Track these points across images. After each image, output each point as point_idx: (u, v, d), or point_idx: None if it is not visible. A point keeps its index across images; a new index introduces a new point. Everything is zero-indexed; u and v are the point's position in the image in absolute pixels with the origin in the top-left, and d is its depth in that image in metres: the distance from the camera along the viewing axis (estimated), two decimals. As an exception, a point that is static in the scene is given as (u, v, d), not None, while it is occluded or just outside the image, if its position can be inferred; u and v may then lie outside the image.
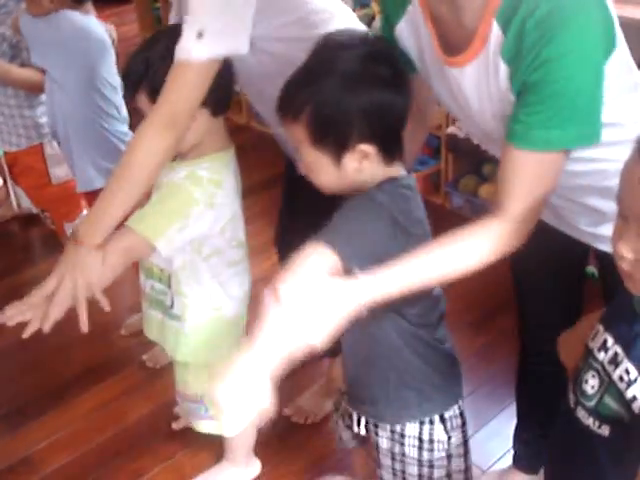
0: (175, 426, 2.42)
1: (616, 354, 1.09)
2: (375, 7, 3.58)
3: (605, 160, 1.38)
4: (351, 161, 1.31)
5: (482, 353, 2.68)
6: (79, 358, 2.80)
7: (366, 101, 1.27)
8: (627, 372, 1.06)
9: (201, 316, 1.83)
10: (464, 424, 1.56)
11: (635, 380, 1.05)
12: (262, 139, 4.45)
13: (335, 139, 1.29)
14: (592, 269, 1.92)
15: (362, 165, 1.32)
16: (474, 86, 1.33)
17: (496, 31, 1.24)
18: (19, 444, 2.46)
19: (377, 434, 1.56)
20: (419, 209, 1.39)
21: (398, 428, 1.51)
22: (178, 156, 1.71)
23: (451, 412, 1.52)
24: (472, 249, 1.27)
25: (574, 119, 1.23)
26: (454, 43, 1.32)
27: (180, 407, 2.30)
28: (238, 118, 4.67)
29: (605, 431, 1.11)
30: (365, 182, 1.35)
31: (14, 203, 3.68)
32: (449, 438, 1.52)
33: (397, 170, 1.39)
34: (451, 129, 3.31)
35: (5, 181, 3.56)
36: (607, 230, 1.42)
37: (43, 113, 2.72)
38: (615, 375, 1.08)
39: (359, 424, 1.59)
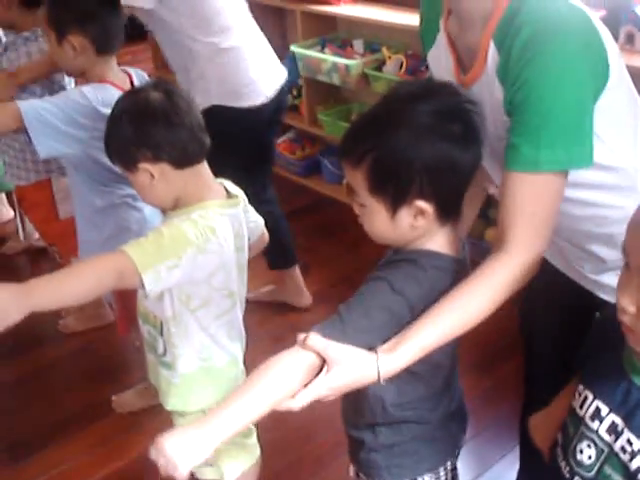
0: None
1: (614, 424, 1.06)
2: (385, 52, 3.62)
3: (605, 206, 1.40)
4: (407, 216, 1.27)
5: (486, 396, 2.67)
6: (82, 393, 2.81)
7: (431, 156, 1.23)
8: (630, 443, 1.03)
9: (190, 366, 1.81)
10: None
11: (639, 451, 1.01)
12: (272, 179, 4.48)
13: (394, 191, 1.25)
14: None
15: (417, 222, 1.27)
16: (481, 106, 1.36)
17: (493, 51, 1.29)
18: (21, 476, 2.46)
19: None
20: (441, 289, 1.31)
21: None
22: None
23: (426, 478, 1.46)
24: (484, 297, 1.26)
25: (561, 138, 1.23)
26: (467, 63, 1.38)
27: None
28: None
29: None
30: (417, 238, 1.32)
31: (21, 236, 3.71)
32: None
33: (450, 243, 1.33)
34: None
35: (15, 214, 3.59)
36: (609, 279, 1.43)
37: None
38: (616, 446, 1.05)
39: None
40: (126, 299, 2.42)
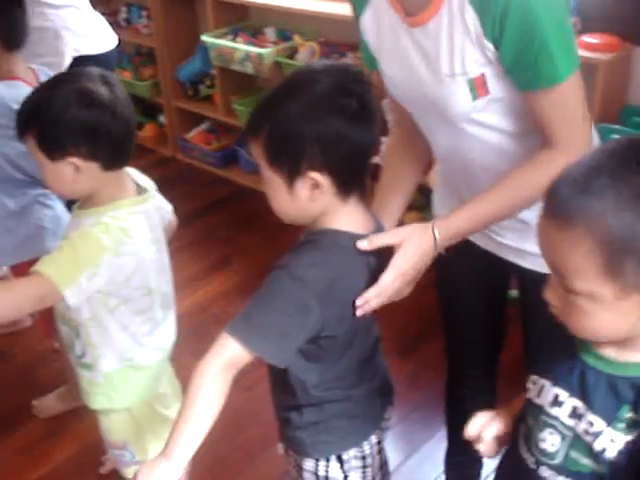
0: (102, 470, 2.39)
1: (575, 407, 1.07)
2: (298, 40, 3.62)
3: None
4: (303, 189, 1.27)
5: (410, 379, 2.71)
6: (3, 400, 2.72)
7: (322, 128, 1.24)
8: (591, 424, 1.04)
9: (113, 365, 1.78)
10: (365, 466, 1.52)
11: (603, 431, 1.03)
12: (188, 171, 4.44)
13: (288, 162, 1.26)
14: (514, 293, 1.97)
15: (314, 195, 1.28)
16: (435, 43, 1.38)
17: None
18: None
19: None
20: (358, 275, 1.33)
21: (298, 460, 1.51)
22: (80, 203, 1.71)
23: (351, 453, 1.49)
24: (538, 183, 1.20)
25: (568, 44, 1.35)
26: (415, 5, 1.39)
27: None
28: (164, 150, 4.65)
29: None
30: (321, 214, 1.32)
31: None
32: (345, 477, 1.50)
33: (356, 220, 1.35)
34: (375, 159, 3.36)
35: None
36: (530, 246, 1.47)
37: None
38: (579, 429, 1.06)
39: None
40: None
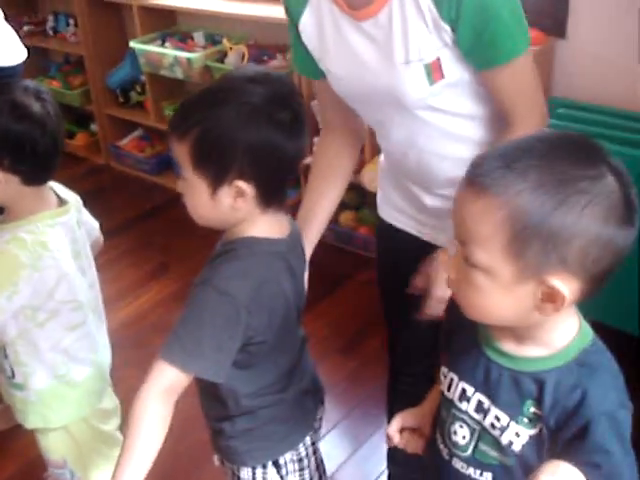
0: (43, 489, 2.34)
1: (480, 402, 1.08)
2: (227, 44, 3.61)
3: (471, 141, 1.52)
4: (227, 196, 1.26)
5: (352, 377, 2.72)
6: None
7: (256, 138, 1.23)
8: (497, 419, 1.05)
9: (45, 383, 1.75)
10: (302, 469, 1.52)
11: (508, 425, 1.04)
12: (122, 179, 4.39)
13: (216, 168, 1.24)
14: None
15: (237, 203, 1.26)
16: (387, 33, 1.40)
17: None
18: None
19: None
20: (282, 278, 1.34)
21: (235, 469, 1.49)
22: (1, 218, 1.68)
23: (287, 457, 1.48)
24: None
25: (522, 23, 1.41)
26: (359, 0, 1.41)
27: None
28: (97, 158, 4.59)
29: (488, 478, 1.10)
30: (239, 223, 1.31)
31: None
32: None
33: (273, 226, 1.34)
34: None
35: None
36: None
37: None
38: (486, 423, 1.07)
39: None
40: None
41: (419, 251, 1.64)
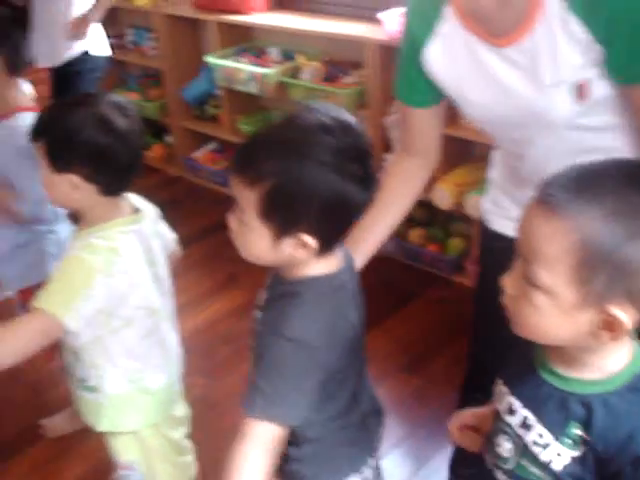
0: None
1: (526, 418, 1.08)
2: (301, 60, 3.65)
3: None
4: (289, 246, 1.24)
5: (417, 395, 2.70)
6: (11, 420, 2.74)
7: (330, 195, 1.19)
8: (540, 436, 1.05)
9: (119, 388, 1.79)
10: None
11: (550, 444, 1.04)
12: (195, 191, 4.47)
13: (284, 220, 1.22)
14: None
15: (297, 253, 1.25)
16: (532, 57, 1.39)
17: None
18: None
19: None
20: (349, 309, 1.35)
21: None
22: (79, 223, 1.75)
23: (351, 478, 1.47)
24: None
25: None
26: (500, 28, 1.40)
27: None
28: (171, 170, 4.68)
29: None
30: (295, 266, 1.30)
31: None
32: None
33: (331, 262, 1.32)
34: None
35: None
36: None
37: None
38: (528, 439, 1.07)
39: None
40: None
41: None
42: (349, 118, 1.26)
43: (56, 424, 2.66)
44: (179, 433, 1.98)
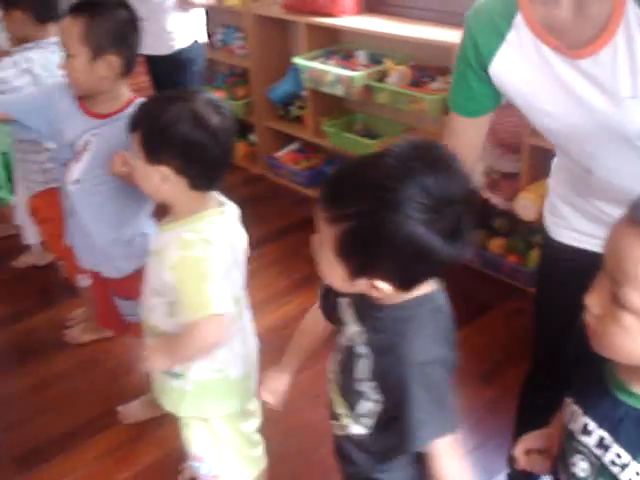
0: (181, 479, 2.45)
1: (602, 438, 1.07)
2: (389, 63, 3.65)
3: None
4: (364, 284, 1.24)
5: (489, 406, 2.68)
6: (89, 404, 2.83)
7: (413, 248, 1.15)
8: (618, 456, 1.04)
9: (204, 374, 1.84)
10: None
11: (628, 464, 1.03)
12: (276, 190, 4.52)
13: (359, 264, 1.21)
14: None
15: (371, 292, 1.25)
16: (610, 69, 1.38)
17: (633, 6, 1.31)
18: (34, 485, 2.48)
19: None
20: (448, 326, 1.36)
21: None
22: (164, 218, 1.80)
23: None
24: None
25: None
26: (576, 40, 1.39)
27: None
28: (253, 168, 4.75)
29: None
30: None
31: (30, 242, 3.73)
32: None
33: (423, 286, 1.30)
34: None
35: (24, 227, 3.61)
36: None
37: (51, 159, 2.78)
38: (606, 459, 1.06)
39: None
40: (101, 300, 2.53)
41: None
42: (451, 159, 1.19)
43: (131, 411, 2.73)
44: (251, 426, 2.02)
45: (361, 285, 1.25)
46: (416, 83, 3.52)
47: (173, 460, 2.50)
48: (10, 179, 3.83)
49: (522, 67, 1.49)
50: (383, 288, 1.22)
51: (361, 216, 1.16)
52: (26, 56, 2.55)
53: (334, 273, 1.25)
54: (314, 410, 2.63)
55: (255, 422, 2.04)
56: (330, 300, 1.48)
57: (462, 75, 1.60)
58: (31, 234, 3.52)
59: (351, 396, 1.43)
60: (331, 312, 1.49)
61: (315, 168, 4.41)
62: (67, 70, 2.11)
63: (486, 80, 1.57)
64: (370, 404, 1.40)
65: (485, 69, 1.55)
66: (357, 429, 1.46)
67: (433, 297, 1.33)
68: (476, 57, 1.55)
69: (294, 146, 4.59)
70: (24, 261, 3.85)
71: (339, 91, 3.79)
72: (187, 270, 1.67)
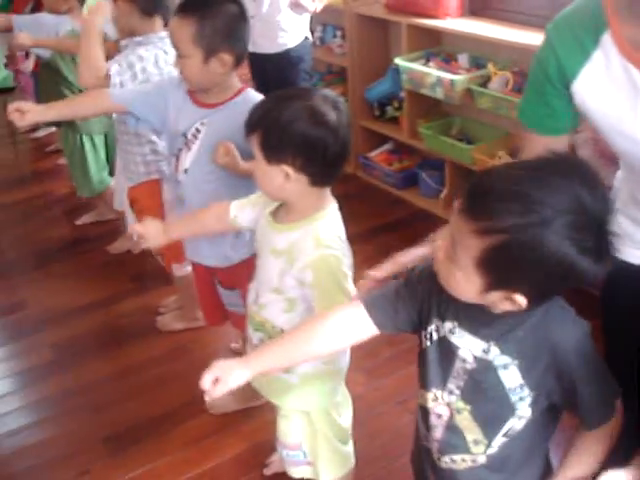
0: (267, 472, 2.47)
1: None
2: (491, 68, 3.59)
3: None
4: (498, 297, 1.23)
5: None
6: (176, 391, 2.87)
7: (562, 267, 1.15)
8: None
9: (314, 368, 1.86)
10: None
11: None
12: (367, 190, 4.51)
13: (501, 279, 1.20)
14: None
15: (504, 305, 1.24)
16: None
17: None
18: (118, 469, 2.54)
19: None
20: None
21: None
22: (281, 216, 1.81)
23: None
24: None
25: None
26: None
27: (277, 454, 2.37)
28: (346, 167, 4.69)
29: None
30: None
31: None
32: None
33: None
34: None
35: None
36: None
37: (152, 151, 2.84)
38: None
39: None
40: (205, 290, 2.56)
41: None
42: (598, 175, 1.18)
43: (220, 402, 2.75)
44: (345, 420, 2.03)
45: (493, 297, 1.23)
46: (519, 89, 3.45)
47: (257, 454, 2.52)
48: (109, 160, 3.95)
49: (608, 89, 1.42)
50: (520, 301, 1.21)
51: (517, 231, 1.14)
52: (138, 54, 2.60)
53: (468, 284, 1.23)
54: (399, 415, 2.62)
55: (348, 416, 2.05)
56: (401, 315, 1.44)
57: (539, 90, 1.54)
58: (132, 221, 3.60)
59: (492, 416, 1.38)
60: (398, 325, 1.46)
61: (408, 170, 4.38)
62: (181, 69, 2.15)
63: (566, 97, 1.50)
64: (515, 420, 1.36)
65: (567, 86, 1.48)
66: (491, 451, 1.41)
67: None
68: (558, 73, 1.49)
69: (388, 146, 4.57)
70: (119, 247, 3.94)
71: (439, 94, 3.75)
72: (327, 269, 1.69)
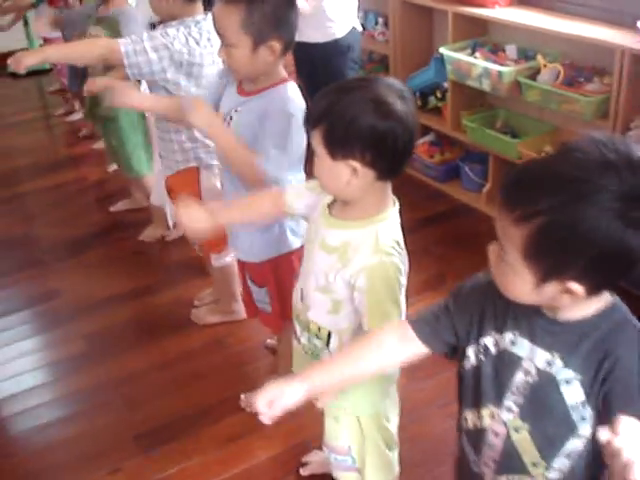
0: (303, 473, 2.41)
1: None
2: (541, 60, 3.47)
3: None
4: (552, 290, 1.18)
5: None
6: (211, 387, 2.82)
7: (610, 244, 1.10)
8: None
9: None
10: None
11: None
12: (407, 182, 4.40)
13: (552, 265, 1.15)
14: None
15: (561, 298, 1.19)
16: None
17: None
18: (152, 467, 2.49)
19: None
20: None
21: None
22: (337, 211, 1.72)
23: None
24: None
25: None
26: None
27: (315, 455, 2.30)
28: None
29: None
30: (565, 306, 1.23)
31: (171, 225, 3.77)
32: None
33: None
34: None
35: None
36: None
37: (190, 138, 2.76)
38: None
39: None
40: (284, 299, 2.42)
41: None
42: (638, 155, 1.12)
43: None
44: (393, 426, 1.97)
45: (550, 291, 1.18)
46: (570, 83, 3.33)
47: (293, 456, 2.46)
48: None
49: None
50: (577, 290, 1.15)
51: (554, 210, 1.10)
52: (165, 31, 2.53)
53: (521, 281, 1.19)
54: (441, 420, 2.55)
55: (395, 421, 1.98)
56: (448, 330, 1.41)
57: None
58: (171, 211, 3.56)
59: (552, 436, 1.31)
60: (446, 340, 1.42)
61: (450, 163, 4.27)
62: (227, 59, 2.07)
63: None
64: (576, 441, 1.28)
65: None
66: (552, 474, 1.34)
67: (618, 307, 1.25)
68: None
69: (429, 138, 4.46)
70: (151, 234, 3.89)
71: (485, 86, 3.63)
72: (384, 277, 1.63)
